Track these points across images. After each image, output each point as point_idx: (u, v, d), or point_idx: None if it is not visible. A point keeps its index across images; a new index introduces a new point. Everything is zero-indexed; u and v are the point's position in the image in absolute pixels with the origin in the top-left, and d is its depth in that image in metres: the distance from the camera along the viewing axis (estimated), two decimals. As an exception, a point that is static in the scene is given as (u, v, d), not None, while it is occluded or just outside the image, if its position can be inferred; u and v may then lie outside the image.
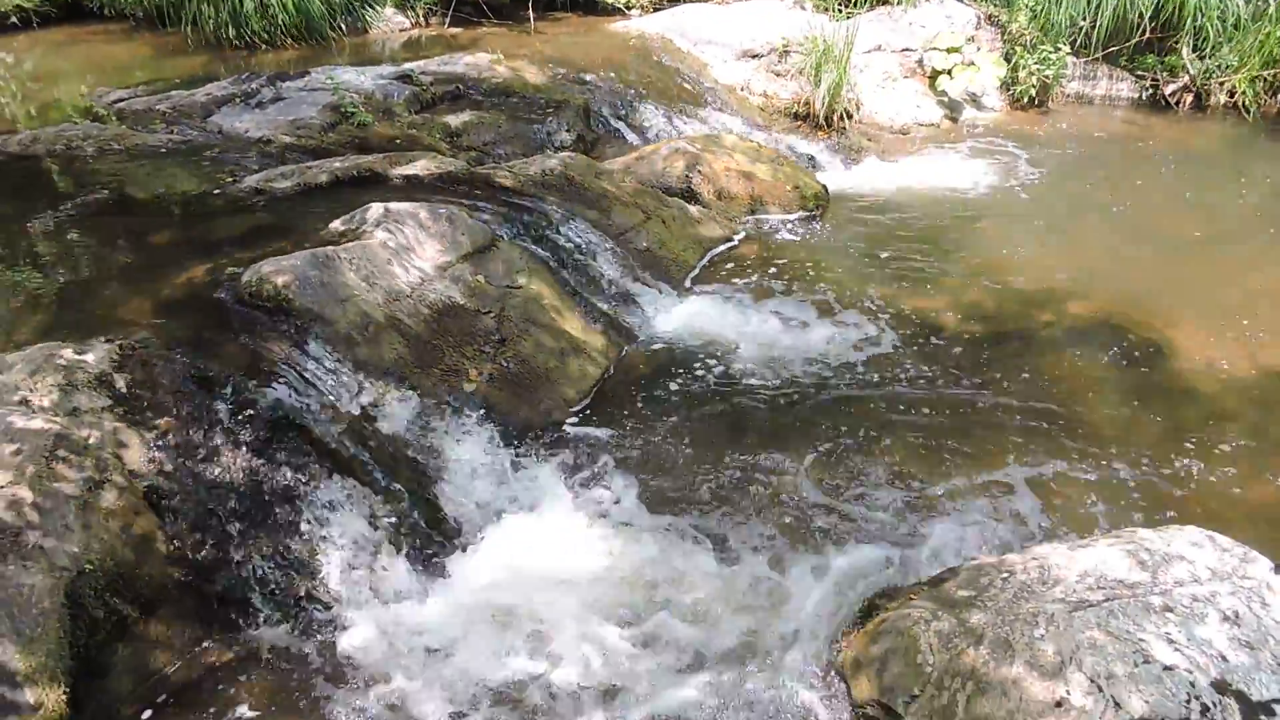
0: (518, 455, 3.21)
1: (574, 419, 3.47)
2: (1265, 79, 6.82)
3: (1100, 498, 3.13)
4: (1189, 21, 6.76)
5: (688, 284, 4.43)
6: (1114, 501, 3.12)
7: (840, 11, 7.24)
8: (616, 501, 3.05)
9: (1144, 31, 6.94)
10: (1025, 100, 7.03)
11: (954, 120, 6.86)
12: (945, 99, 6.85)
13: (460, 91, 5.79)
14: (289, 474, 2.52)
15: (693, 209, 4.85)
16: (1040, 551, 2.42)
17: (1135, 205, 5.60)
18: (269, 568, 2.38)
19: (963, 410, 3.62)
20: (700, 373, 3.78)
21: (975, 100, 7.01)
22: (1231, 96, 6.94)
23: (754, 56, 6.87)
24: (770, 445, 3.37)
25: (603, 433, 3.40)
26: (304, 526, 2.50)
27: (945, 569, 2.58)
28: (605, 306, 3.99)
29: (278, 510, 2.45)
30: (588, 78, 6.21)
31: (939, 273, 4.71)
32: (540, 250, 3.98)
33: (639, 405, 3.57)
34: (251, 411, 2.61)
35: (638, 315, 4.08)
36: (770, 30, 6.83)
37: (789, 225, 5.13)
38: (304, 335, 2.99)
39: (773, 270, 4.61)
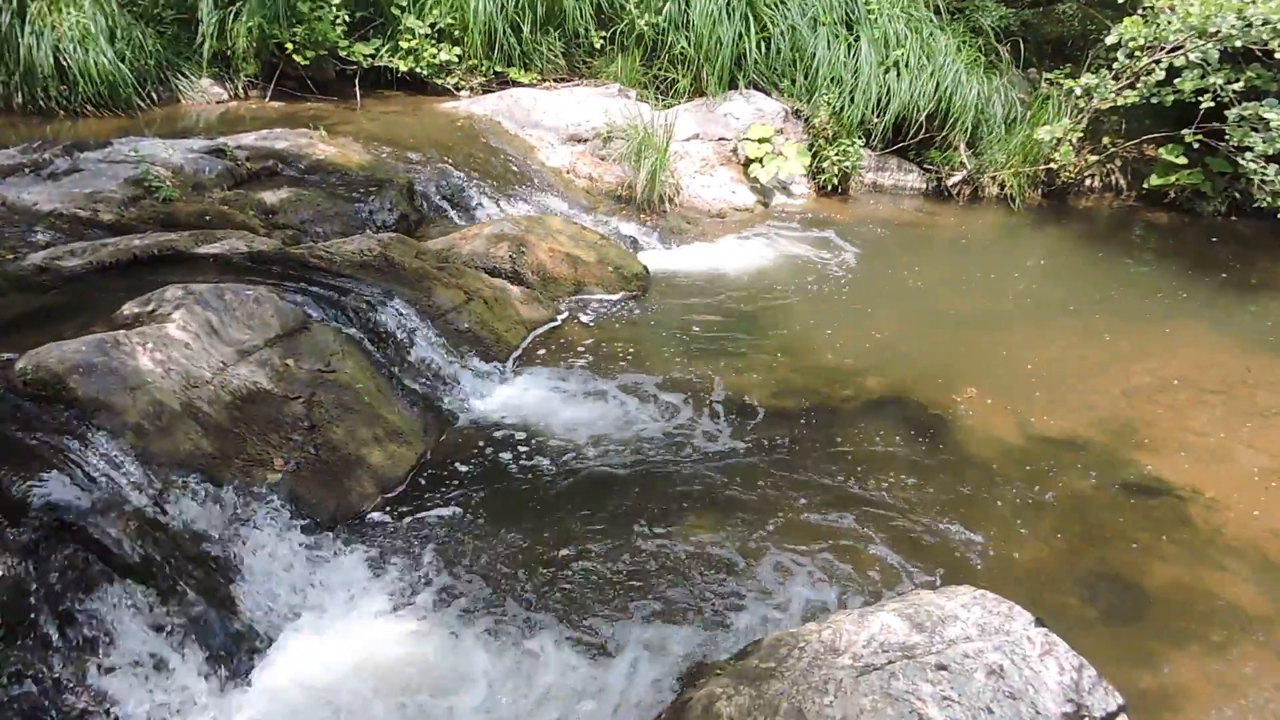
0: (325, 548, 3.10)
1: (387, 508, 3.40)
2: (1026, 174, 7.73)
3: (892, 563, 3.37)
4: (959, 123, 7.59)
5: (510, 365, 4.46)
6: (904, 566, 3.36)
7: (660, 101, 7.65)
8: (428, 593, 3.00)
9: (924, 130, 7.73)
10: (829, 188, 7.63)
11: (766, 205, 7.34)
12: (758, 185, 7.33)
13: (278, 168, 5.65)
14: (61, 582, 2.32)
15: (516, 290, 4.92)
16: (835, 619, 2.57)
17: (925, 286, 6.16)
18: (33, 692, 2.16)
19: (771, 484, 3.81)
20: (518, 455, 3.80)
21: (785, 187, 7.54)
22: (1001, 189, 7.81)
23: (580, 141, 7.12)
24: (584, 527, 3.42)
25: (415, 521, 3.34)
26: (78, 641, 2.30)
27: (750, 642, 2.69)
28: (424, 389, 3.95)
29: (46, 625, 2.25)
30: (414, 157, 6.23)
31: (751, 351, 4.97)
32: (356, 332, 3.92)
33: (454, 491, 3.54)
34: (19, 513, 2.40)
35: (457, 398, 4.07)
36: (595, 116, 7.12)
37: (611, 306, 5.29)
38: (87, 426, 2.79)
39: (594, 350, 4.73)
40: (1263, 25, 6.16)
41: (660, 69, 7.83)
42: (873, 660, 2.31)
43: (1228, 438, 4.39)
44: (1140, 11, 6.87)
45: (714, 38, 7.55)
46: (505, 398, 4.17)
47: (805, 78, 7.67)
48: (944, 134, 7.81)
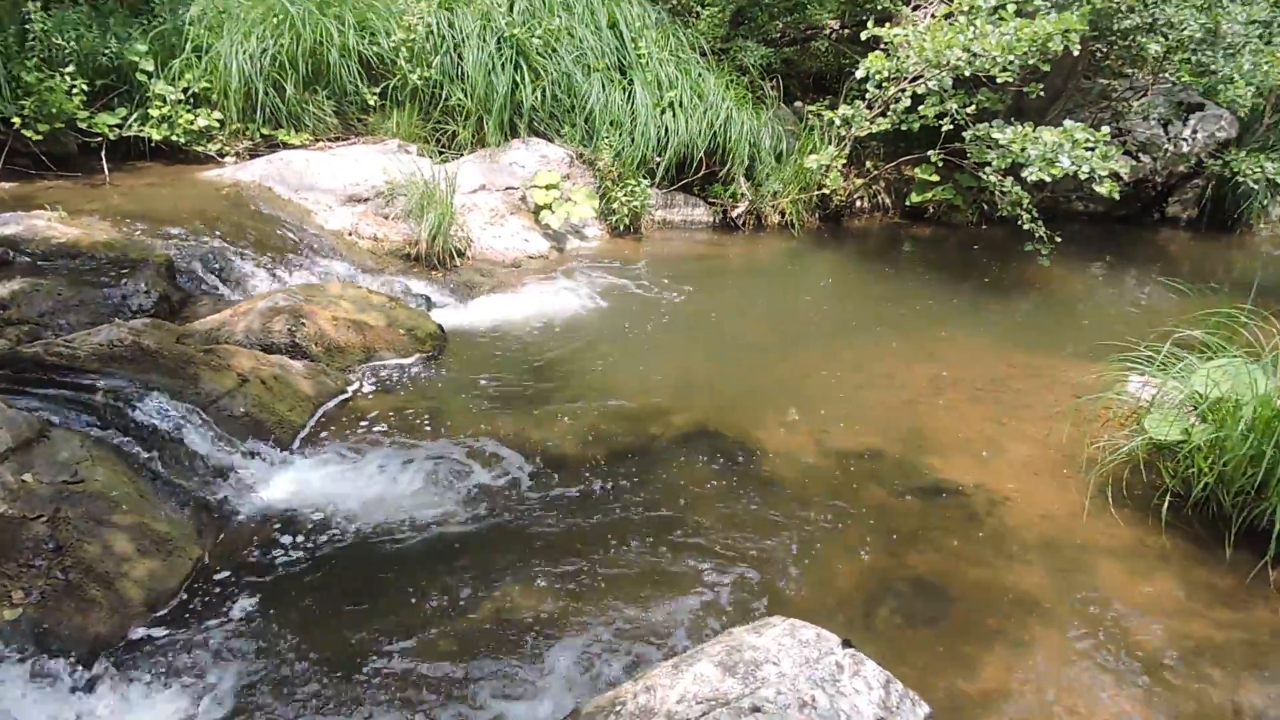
0: (85, 681, 2.70)
1: (160, 625, 3.03)
2: (802, 201, 8.19)
3: (711, 600, 3.36)
4: (736, 156, 7.94)
5: (296, 447, 4.15)
6: (723, 602, 3.36)
7: (442, 154, 7.51)
8: (213, 707, 2.68)
9: (705, 165, 8.03)
10: (621, 228, 7.74)
11: (560, 250, 7.34)
12: (550, 231, 7.32)
13: (9, 256, 5.04)
14: None
15: (298, 365, 4.60)
16: (652, 675, 2.50)
17: (722, 316, 6.33)
18: None
19: (584, 535, 3.72)
20: (306, 546, 3.51)
21: (578, 231, 7.57)
22: (782, 216, 8.22)
23: (360, 201, 6.84)
24: (385, 610, 3.19)
25: (193, 635, 2.99)
26: None
27: (568, 714, 2.57)
28: (196, 487, 3.59)
29: None
30: (174, 231, 5.75)
31: (556, 399, 4.90)
32: (109, 434, 3.50)
33: (237, 595, 3.21)
34: None
35: (237, 490, 3.72)
36: (375, 174, 6.87)
37: (406, 370, 5.06)
38: None
39: (390, 419, 4.49)
40: (984, 56, 6.84)
41: (439, 122, 7.69)
42: (688, 714, 2.26)
43: (998, 432, 4.75)
44: (882, 46, 7.47)
45: (489, 88, 7.51)
46: (292, 483, 3.86)
47: (585, 122, 7.77)
48: (724, 168, 8.15)
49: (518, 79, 7.60)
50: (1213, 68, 8.09)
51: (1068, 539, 3.85)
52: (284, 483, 3.86)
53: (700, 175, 8.14)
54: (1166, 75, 8.66)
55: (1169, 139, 8.53)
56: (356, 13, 7.44)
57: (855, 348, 5.90)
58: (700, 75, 8.00)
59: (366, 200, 6.82)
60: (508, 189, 7.40)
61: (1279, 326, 4.30)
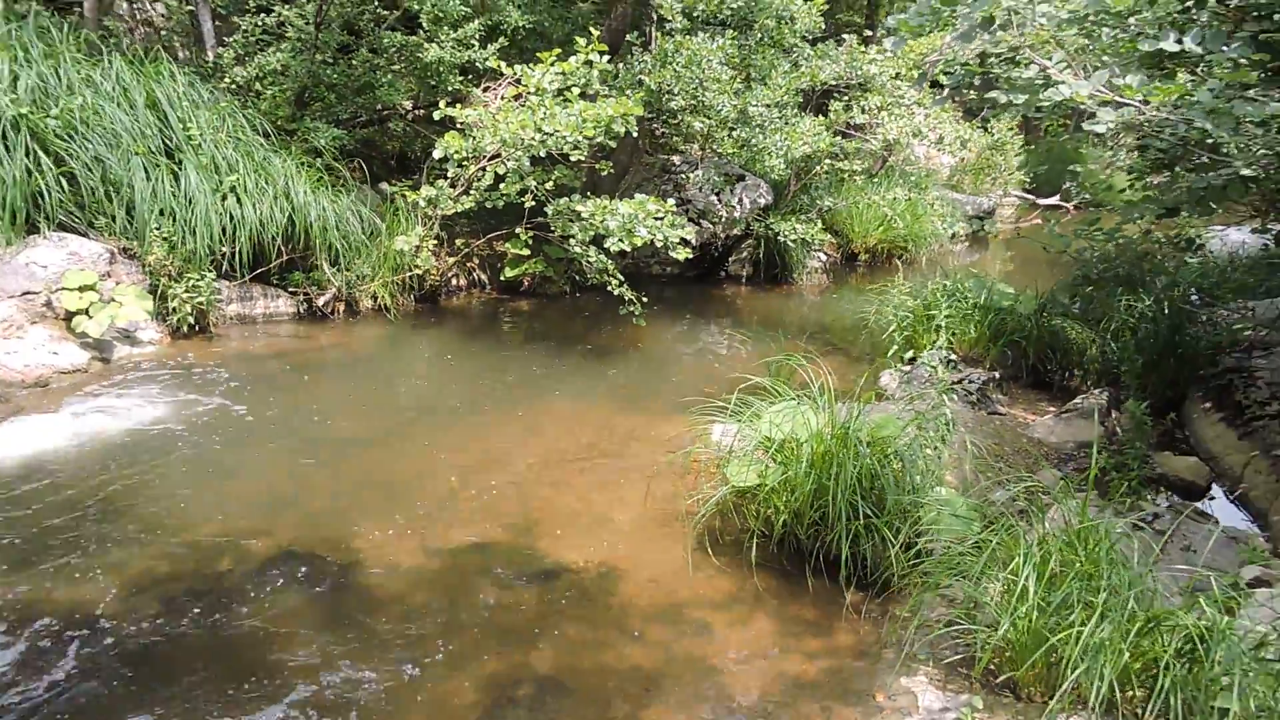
0: None
1: None
2: (396, 283, 7.86)
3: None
4: (316, 242, 7.41)
5: None
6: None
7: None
8: None
9: (284, 253, 7.38)
10: (185, 329, 6.78)
11: (106, 361, 6.20)
12: (90, 341, 6.16)
13: None
14: None
15: None
16: None
17: (310, 417, 5.72)
18: None
19: (139, 709, 2.97)
20: None
21: (129, 336, 6.48)
22: (375, 301, 7.80)
23: None
24: None
25: None
26: None
27: None
28: None
29: None
30: None
31: (99, 544, 3.99)
32: None
33: None
34: None
35: None
36: None
37: None
38: None
39: None
40: (556, 135, 7.11)
41: (-78, 218, 6.17)
42: None
43: (604, 500, 4.76)
44: (458, 126, 7.47)
45: (-8, 175, 6.21)
46: None
47: (128, 213, 6.73)
48: (307, 255, 7.55)
49: (30, 165, 6.37)
50: (752, 141, 9.27)
51: (676, 599, 3.89)
52: None
53: (279, 264, 7.45)
54: (714, 149, 9.77)
55: (722, 205, 9.60)
56: None
57: (460, 431, 5.65)
58: (265, 158, 7.36)
59: None
60: (25, 294, 6.11)
61: (823, 365, 4.82)
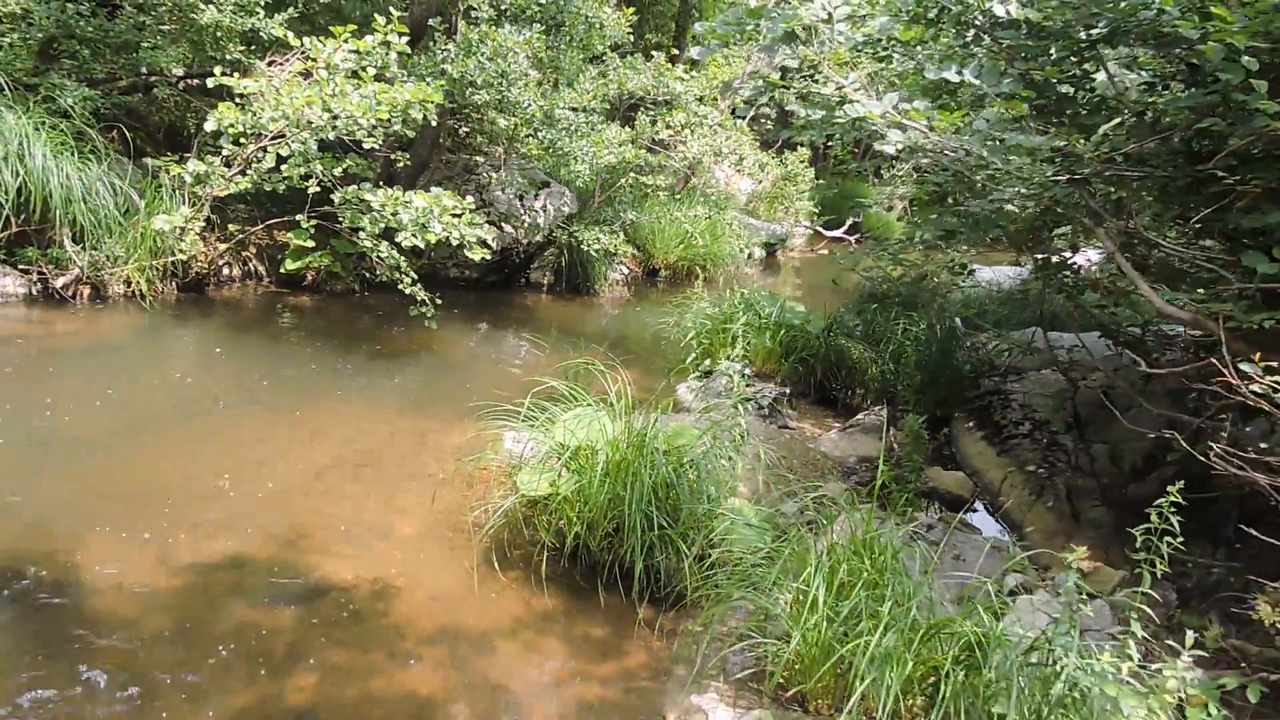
0: None
1: None
2: (155, 268, 6.99)
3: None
4: (59, 216, 6.45)
5: None
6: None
7: None
8: None
9: (10, 224, 6.35)
10: (-124, 305, 5.65)
11: None
12: None
13: None
14: None
15: None
16: None
17: (39, 414, 4.90)
18: None
19: None
20: None
21: None
22: (129, 286, 6.90)
23: None
24: None
25: None
26: None
27: None
28: None
29: None
30: None
31: None
32: None
33: None
34: None
35: None
36: None
37: None
38: None
39: None
40: (346, 117, 6.59)
41: None
42: None
43: (382, 511, 4.37)
44: (237, 99, 6.76)
45: None
46: None
47: None
48: (44, 228, 6.54)
49: None
50: (558, 144, 9.10)
51: (459, 620, 3.59)
52: None
53: (7, 235, 6.41)
54: (519, 151, 9.53)
55: (525, 210, 9.36)
56: None
57: (222, 434, 5.04)
58: (-4, 111, 6.33)
59: None
60: None
61: (622, 375, 4.68)
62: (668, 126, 10.24)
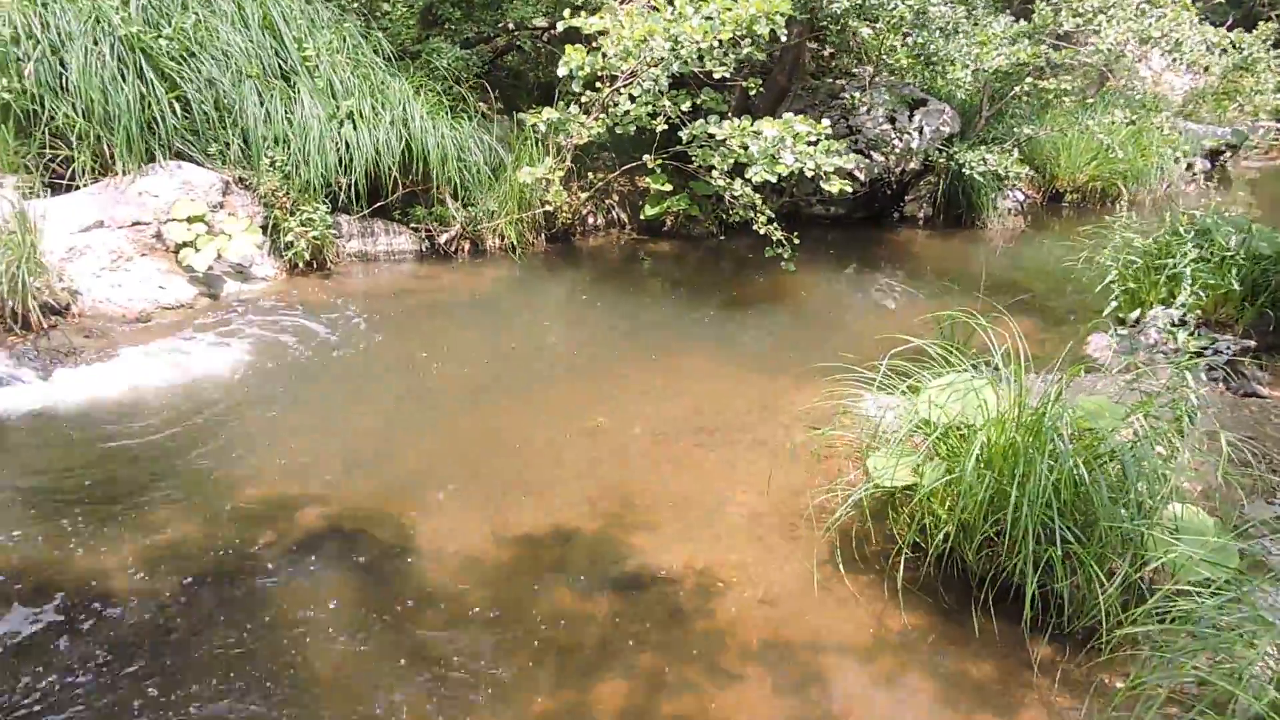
0: None
1: None
2: (524, 221, 7.17)
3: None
4: (438, 174, 6.81)
5: None
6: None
7: (32, 190, 5.82)
8: None
9: (403, 185, 6.83)
10: (301, 265, 6.38)
11: (214, 296, 5.88)
12: (198, 275, 5.85)
13: None
14: None
15: None
16: None
17: (414, 367, 5.14)
18: None
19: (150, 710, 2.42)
20: None
21: (242, 271, 6.15)
22: (502, 240, 7.16)
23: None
24: None
25: None
26: None
27: None
28: None
29: None
30: None
31: (139, 506, 3.53)
32: None
33: None
34: None
35: None
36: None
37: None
38: None
39: None
40: (690, 44, 6.10)
41: (43, 146, 6.02)
42: None
43: (722, 485, 3.86)
44: (589, 42, 6.60)
45: (108, 101, 5.96)
46: None
47: (244, 141, 6.37)
48: (429, 188, 6.99)
49: (144, 90, 6.08)
50: (930, 49, 7.85)
51: (794, 633, 2.96)
52: None
53: (398, 197, 6.93)
54: (887, 63, 8.41)
55: (897, 134, 8.26)
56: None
57: (570, 391, 4.90)
58: (383, 81, 6.80)
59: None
60: (135, 225, 5.85)
61: (1013, 326, 3.64)
62: (1076, 15, 8.34)
